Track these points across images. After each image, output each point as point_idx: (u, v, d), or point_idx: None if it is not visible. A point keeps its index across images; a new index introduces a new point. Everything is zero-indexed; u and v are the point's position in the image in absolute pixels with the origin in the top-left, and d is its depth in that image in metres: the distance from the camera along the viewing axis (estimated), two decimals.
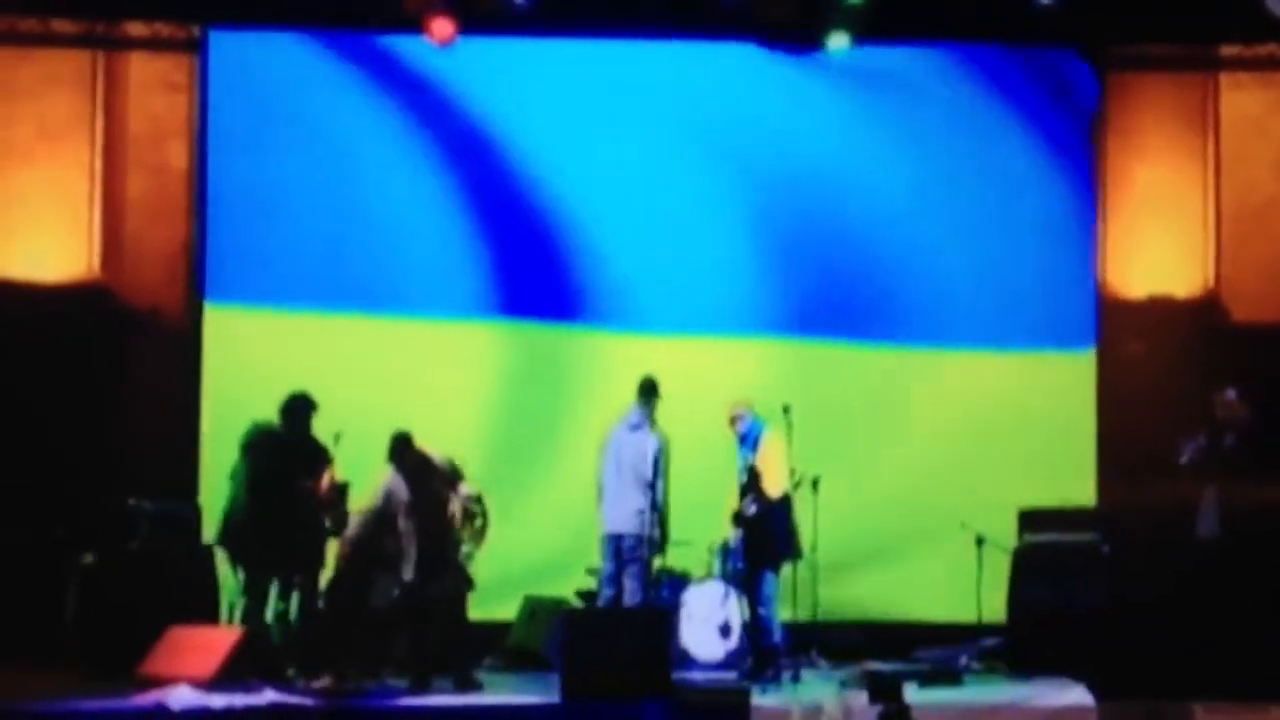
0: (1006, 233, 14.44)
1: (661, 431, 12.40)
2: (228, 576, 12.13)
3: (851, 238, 14.42)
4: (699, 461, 12.99)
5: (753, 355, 14.13)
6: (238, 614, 11.86)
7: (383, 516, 11.62)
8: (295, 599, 11.88)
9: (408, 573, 11.50)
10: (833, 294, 14.36)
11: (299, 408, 11.96)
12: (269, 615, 11.83)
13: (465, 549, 11.86)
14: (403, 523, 11.56)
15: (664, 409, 12.50)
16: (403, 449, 11.67)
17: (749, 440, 12.12)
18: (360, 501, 11.92)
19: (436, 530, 11.63)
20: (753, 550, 12.05)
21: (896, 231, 14.42)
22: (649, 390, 12.42)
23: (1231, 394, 12.83)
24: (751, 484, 12.02)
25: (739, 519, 12.07)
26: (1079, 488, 13.95)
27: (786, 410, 12.14)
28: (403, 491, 11.61)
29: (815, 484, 12.58)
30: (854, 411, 14.10)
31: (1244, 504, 12.39)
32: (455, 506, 11.77)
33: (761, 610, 11.95)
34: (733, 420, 12.20)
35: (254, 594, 11.75)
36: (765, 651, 11.98)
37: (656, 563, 12.81)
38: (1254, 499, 12.33)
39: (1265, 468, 12.47)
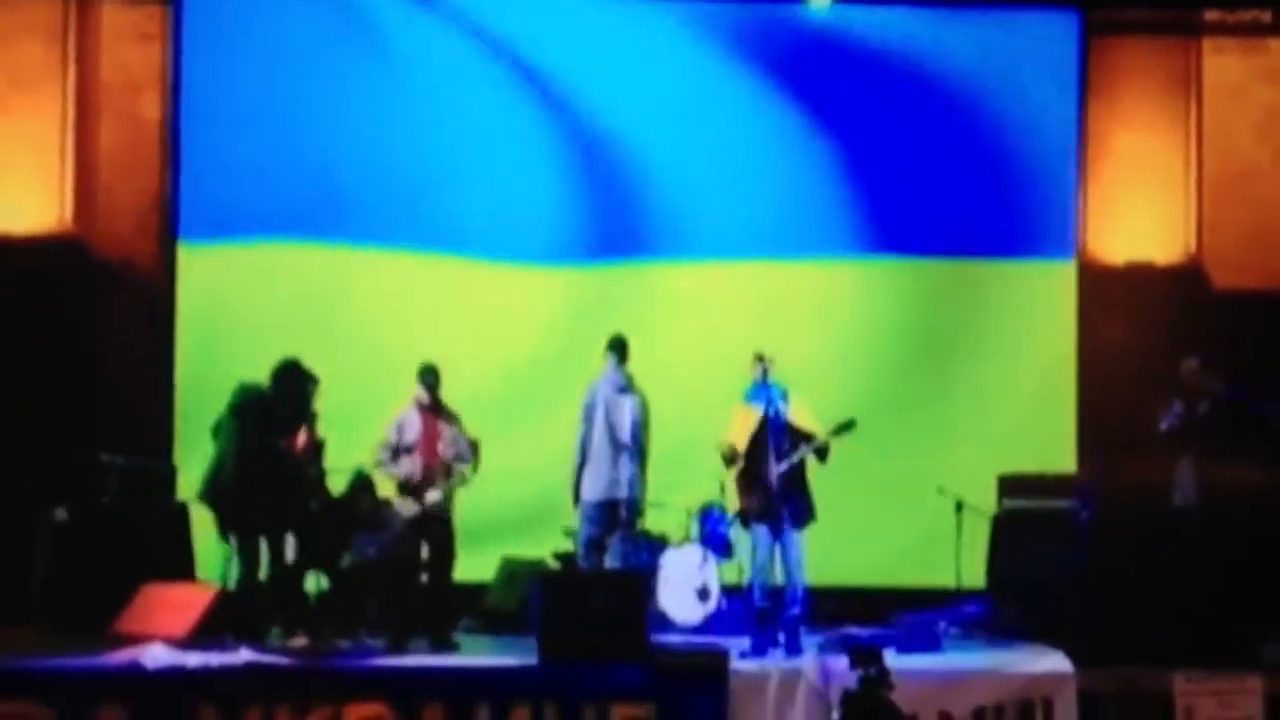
0: (985, 200, 14.43)
1: (640, 391, 12.26)
2: (210, 536, 12.00)
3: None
4: (676, 423, 12.91)
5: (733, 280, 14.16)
6: (232, 575, 11.62)
7: (394, 451, 11.57)
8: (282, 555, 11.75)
9: (406, 509, 11.47)
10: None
11: (289, 376, 11.75)
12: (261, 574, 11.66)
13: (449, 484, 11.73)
14: (407, 460, 11.54)
15: (642, 370, 12.41)
16: (432, 379, 11.62)
17: (776, 390, 11.83)
18: (339, 457, 11.88)
19: (437, 474, 11.58)
20: (785, 509, 11.54)
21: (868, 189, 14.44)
22: (621, 349, 12.24)
23: (1194, 363, 12.83)
24: (795, 434, 11.75)
25: (780, 475, 11.56)
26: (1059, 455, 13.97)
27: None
28: (414, 427, 11.57)
29: None
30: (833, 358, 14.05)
31: (1218, 473, 12.39)
32: (453, 448, 11.68)
33: (794, 576, 11.50)
34: (756, 361, 11.76)
35: (247, 555, 11.58)
36: (786, 622, 11.53)
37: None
38: (1228, 469, 12.33)
39: (1238, 435, 12.47)
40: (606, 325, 12.83)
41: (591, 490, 12.04)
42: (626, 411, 12.04)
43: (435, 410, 11.68)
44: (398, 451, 11.60)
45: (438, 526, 11.60)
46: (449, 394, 11.76)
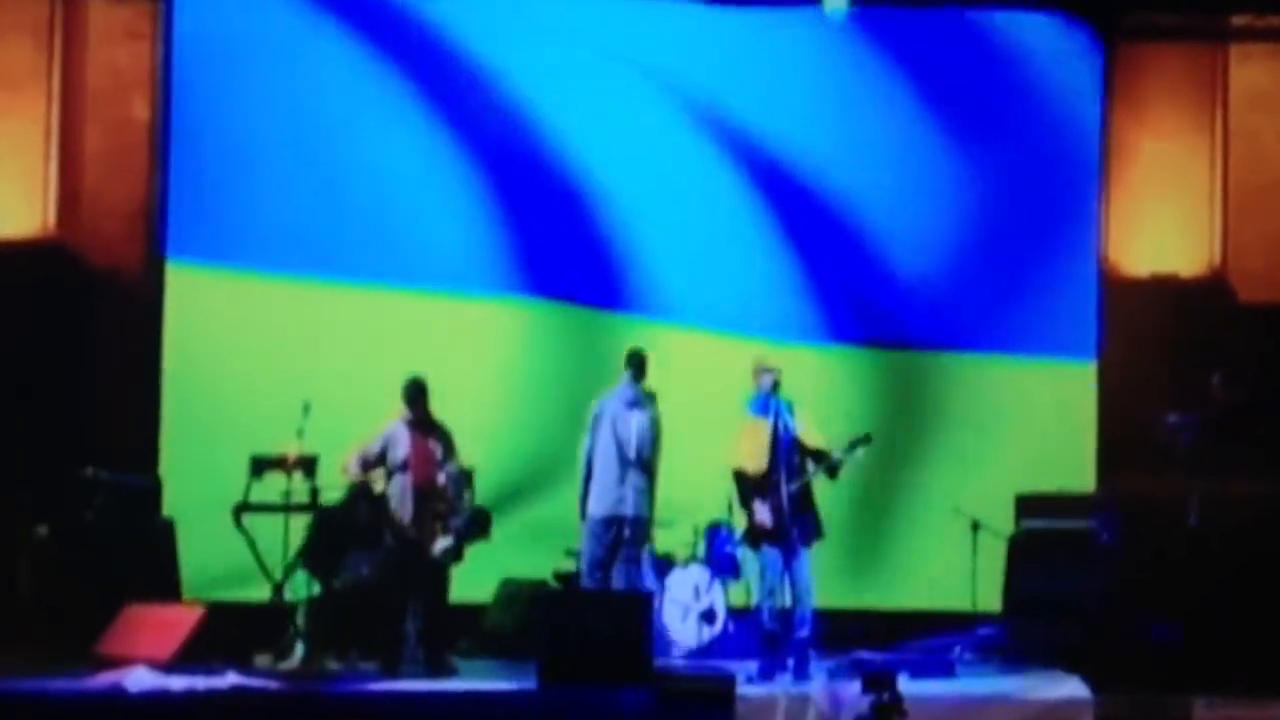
0: (1007, 222, 14.48)
1: (655, 407, 12.12)
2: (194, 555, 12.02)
3: (851, 234, 14.44)
4: (683, 439, 12.89)
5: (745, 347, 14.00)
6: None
7: (373, 465, 11.56)
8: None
9: (404, 514, 11.46)
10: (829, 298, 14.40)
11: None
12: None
13: (455, 524, 11.71)
14: (399, 478, 11.49)
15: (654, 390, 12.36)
16: (417, 395, 11.59)
17: (782, 406, 11.67)
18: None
19: (430, 491, 11.54)
20: (793, 527, 11.50)
21: (893, 221, 14.43)
22: (639, 363, 12.11)
23: (1215, 379, 12.84)
24: (804, 451, 11.72)
25: (791, 494, 11.49)
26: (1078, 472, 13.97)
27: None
28: (403, 444, 11.53)
29: None
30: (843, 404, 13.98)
31: (1242, 492, 12.39)
32: (446, 476, 11.64)
33: (802, 598, 11.48)
34: (761, 372, 11.71)
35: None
36: (795, 645, 11.50)
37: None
38: (1252, 487, 12.33)
39: (1263, 450, 12.49)
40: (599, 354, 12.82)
41: (597, 506, 11.89)
42: (634, 426, 11.90)
43: (424, 428, 11.65)
44: (372, 464, 11.57)
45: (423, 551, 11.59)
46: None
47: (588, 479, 11.97)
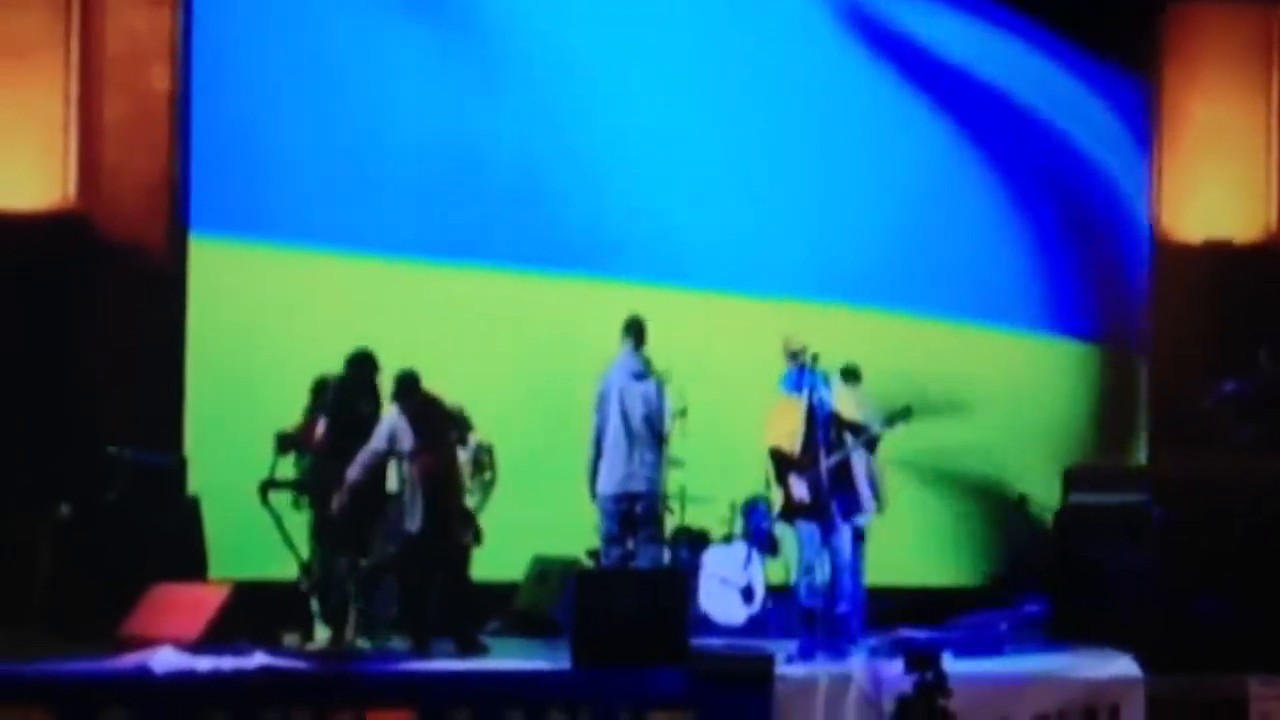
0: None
1: (660, 374, 12.19)
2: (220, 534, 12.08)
3: (892, 197, 14.59)
4: (718, 412, 12.95)
5: (771, 313, 14.21)
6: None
7: (384, 459, 11.58)
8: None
9: (413, 523, 11.48)
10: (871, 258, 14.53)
11: (359, 364, 11.89)
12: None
13: (472, 502, 11.78)
14: (406, 468, 11.53)
15: (685, 362, 12.42)
16: (408, 388, 11.62)
17: (817, 380, 11.76)
18: None
19: (442, 479, 11.57)
20: (832, 501, 11.61)
21: (938, 194, 14.59)
22: (639, 331, 12.19)
23: (1263, 352, 12.85)
24: (841, 424, 11.75)
25: (829, 469, 11.60)
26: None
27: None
28: (407, 435, 11.56)
29: None
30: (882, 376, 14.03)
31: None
32: (464, 456, 11.70)
33: (843, 575, 11.56)
34: (794, 353, 11.79)
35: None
36: (836, 623, 11.60)
37: (672, 522, 12.80)
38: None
39: None
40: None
41: (607, 483, 12.00)
42: (642, 399, 11.98)
43: (426, 414, 11.65)
44: (384, 457, 11.61)
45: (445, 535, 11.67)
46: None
47: (596, 458, 12.08)
